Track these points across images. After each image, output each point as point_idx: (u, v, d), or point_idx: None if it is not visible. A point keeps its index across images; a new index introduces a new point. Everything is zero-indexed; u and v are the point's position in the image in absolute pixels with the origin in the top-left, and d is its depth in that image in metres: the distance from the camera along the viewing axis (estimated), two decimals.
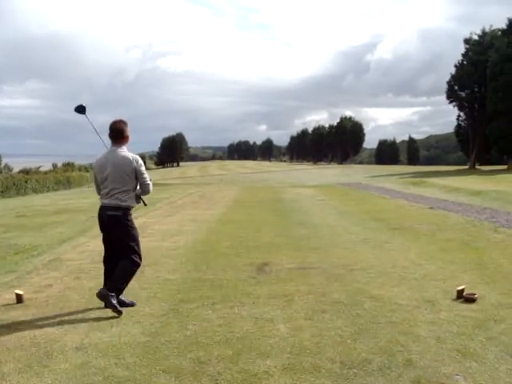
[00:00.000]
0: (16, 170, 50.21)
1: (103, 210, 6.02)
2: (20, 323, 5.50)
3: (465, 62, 59.04)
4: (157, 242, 10.93)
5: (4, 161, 52.11)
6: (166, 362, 4.45)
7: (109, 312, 5.75)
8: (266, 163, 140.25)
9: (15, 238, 13.08)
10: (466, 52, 59.45)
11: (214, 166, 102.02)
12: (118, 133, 6.06)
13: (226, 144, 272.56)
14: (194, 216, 15.92)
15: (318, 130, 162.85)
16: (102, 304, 5.91)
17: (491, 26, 58.22)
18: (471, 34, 59.77)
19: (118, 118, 6.21)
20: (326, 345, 4.80)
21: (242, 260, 8.77)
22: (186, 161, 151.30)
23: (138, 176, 6.02)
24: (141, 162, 6.15)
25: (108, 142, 6.16)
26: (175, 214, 17.15)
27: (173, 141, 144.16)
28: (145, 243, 10.11)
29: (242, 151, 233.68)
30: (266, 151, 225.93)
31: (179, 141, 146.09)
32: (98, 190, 6.19)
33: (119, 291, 5.94)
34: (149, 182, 6.16)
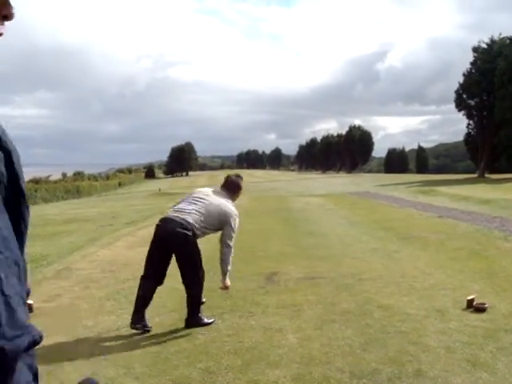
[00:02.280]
0: (26, 179, 50.50)
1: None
2: None
3: (473, 71, 58.89)
4: None
5: None
6: (175, 372, 4.46)
7: (118, 322, 5.77)
8: (275, 172, 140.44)
9: (25, 247, 13.13)
10: (474, 60, 59.31)
11: (223, 175, 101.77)
12: (233, 187, 6.19)
13: (235, 153, 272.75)
14: None
15: (327, 139, 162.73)
16: (112, 313, 5.93)
17: (500, 34, 58.10)
18: (479, 42, 59.65)
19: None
20: (335, 355, 4.79)
21: (251, 269, 8.77)
22: (195, 170, 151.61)
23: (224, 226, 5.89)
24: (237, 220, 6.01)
25: None
26: None
27: (182, 150, 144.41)
28: None
29: (250, 160, 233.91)
30: (274, 160, 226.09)
31: (188, 150, 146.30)
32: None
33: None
34: (229, 242, 6.04)
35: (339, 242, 11.95)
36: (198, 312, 5.83)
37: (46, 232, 16.24)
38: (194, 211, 5.71)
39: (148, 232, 13.86)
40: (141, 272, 5.94)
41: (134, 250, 10.67)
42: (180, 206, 5.91)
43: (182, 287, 7.54)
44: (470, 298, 6.25)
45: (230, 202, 5.99)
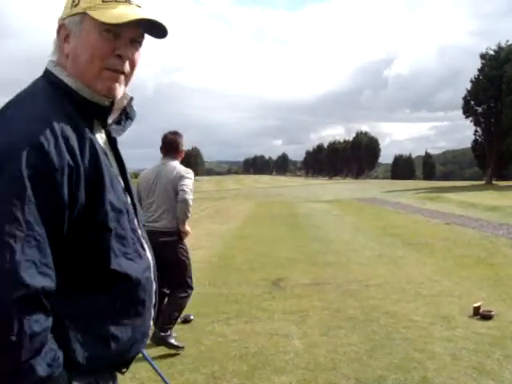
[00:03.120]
0: None
1: (152, 236, 5.37)
2: None
3: (481, 77, 58.78)
4: None
5: None
6: (180, 378, 4.46)
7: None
8: (282, 178, 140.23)
9: None
10: (481, 67, 59.20)
11: (229, 181, 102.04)
12: (171, 147, 5.46)
13: (241, 159, 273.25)
14: (209, 230, 15.93)
15: (334, 145, 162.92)
16: None
17: (507, 41, 58.02)
18: (487, 49, 59.55)
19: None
20: (341, 361, 4.79)
21: (257, 275, 8.77)
22: (202, 175, 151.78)
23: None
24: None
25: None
26: (191, 229, 17.16)
27: (188, 155, 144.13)
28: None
29: (257, 166, 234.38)
30: (281, 166, 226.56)
31: (195, 155, 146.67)
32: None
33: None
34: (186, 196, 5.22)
35: (345, 247, 11.93)
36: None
37: None
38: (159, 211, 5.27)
39: None
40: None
41: None
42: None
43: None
44: (476, 305, 6.24)
45: (177, 163, 5.43)
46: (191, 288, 5.40)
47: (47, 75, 1.53)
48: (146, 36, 1.56)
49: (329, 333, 5.62)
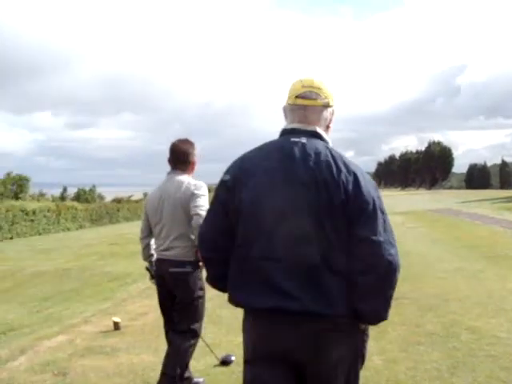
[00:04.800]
0: (108, 199, 51.93)
1: (162, 265, 4.51)
2: (118, 350, 5.68)
3: None
4: None
5: (98, 190, 54.06)
6: None
7: (204, 339, 5.82)
8: None
9: (109, 266, 13.54)
10: None
11: None
12: (179, 157, 4.64)
13: None
14: None
15: (406, 156, 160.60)
16: None
17: None
18: None
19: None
20: (422, 378, 4.69)
21: None
22: None
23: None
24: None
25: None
26: None
27: None
28: None
29: None
30: None
31: None
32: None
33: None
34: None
35: (421, 260, 11.71)
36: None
37: (128, 251, 16.66)
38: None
39: None
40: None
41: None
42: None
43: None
44: None
45: (185, 177, 4.55)
46: (197, 336, 4.55)
47: (319, 135, 2.42)
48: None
49: (408, 349, 5.52)
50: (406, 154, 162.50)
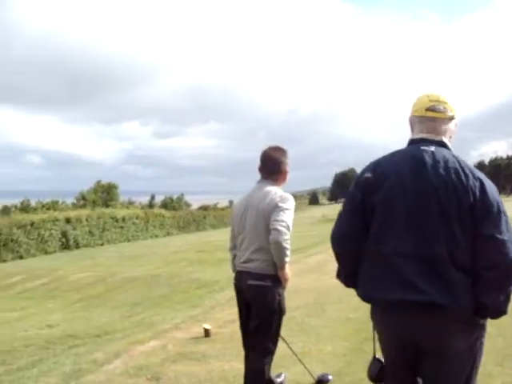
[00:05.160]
0: (195, 206, 52.81)
1: (241, 277, 4.28)
2: (208, 356, 5.74)
3: None
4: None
5: (185, 198, 55.12)
6: None
7: (293, 348, 5.82)
8: None
9: (197, 273, 13.76)
10: None
11: None
12: (270, 165, 4.38)
13: None
14: None
15: (496, 161, 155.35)
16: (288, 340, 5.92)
17: None
18: None
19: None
20: None
21: None
22: None
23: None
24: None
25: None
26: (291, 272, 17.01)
27: (345, 176, 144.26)
28: (325, 281, 10.15)
29: None
30: None
31: (351, 176, 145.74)
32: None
33: None
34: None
35: None
36: None
37: (215, 258, 16.87)
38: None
39: (316, 260, 13.95)
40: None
41: (303, 277, 10.76)
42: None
43: (354, 316, 7.46)
44: None
45: (274, 188, 4.25)
46: (270, 354, 4.22)
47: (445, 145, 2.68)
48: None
49: (504, 363, 5.30)
50: (496, 159, 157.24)
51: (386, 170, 2.65)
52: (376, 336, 2.86)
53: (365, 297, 2.71)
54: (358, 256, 2.70)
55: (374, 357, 2.91)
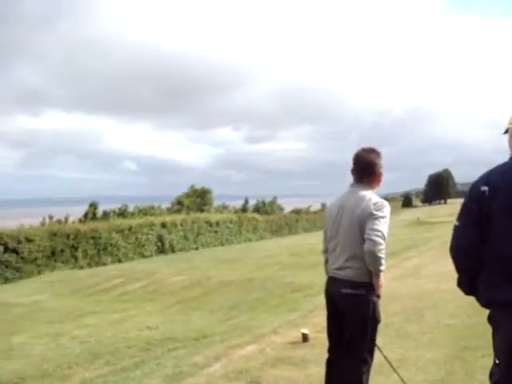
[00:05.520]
0: (288, 210, 52.96)
1: (334, 284, 4.15)
2: (307, 361, 5.71)
3: None
4: (434, 284, 10.53)
5: (278, 201, 55.35)
6: None
7: (391, 355, 5.68)
8: None
9: (291, 276, 13.75)
10: None
11: None
12: (363, 166, 4.22)
13: None
14: None
15: None
16: (383, 347, 5.80)
17: None
18: None
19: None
20: None
21: None
22: (454, 197, 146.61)
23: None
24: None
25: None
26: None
27: (439, 177, 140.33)
28: (421, 285, 9.92)
29: None
30: None
31: (446, 177, 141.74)
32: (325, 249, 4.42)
33: None
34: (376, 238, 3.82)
35: None
36: None
37: (309, 261, 16.81)
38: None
39: (411, 264, 13.65)
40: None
41: (401, 281, 10.55)
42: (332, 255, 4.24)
43: (452, 322, 7.24)
44: None
45: (369, 193, 4.09)
46: (367, 364, 4.06)
47: None
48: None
49: None
50: None
51: (498, 180, 2.79)
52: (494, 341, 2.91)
53: (485, 301, 2.83)
54: (477, 266, 2.84)
55: (495, 361, 2.90)
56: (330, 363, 4.24)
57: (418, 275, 11.62)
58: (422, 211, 77.51)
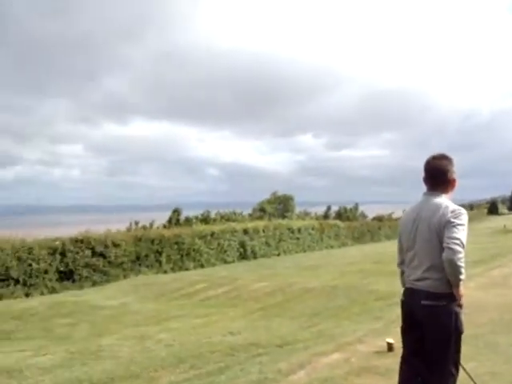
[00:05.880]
0: (370, 216, 52.36)
1: (412, 296, 4.05)
2: (392, 371, 5.59)
3: None
4: None
5: (360, 208, 54.85)
6: None
7: (480, 369, 5.49)
8: None
9: (374, 284, 13.58)
10: None
11: None
12: (435, 173, 4.13)
13: None
14: None
15: None
16: (473, 358, 5.63)
17: None
18: None
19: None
20: None
21: None
22: None
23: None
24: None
25: None
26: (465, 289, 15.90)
27: None
28: (508, 296, 9.61)
29: None
30: None
31: None
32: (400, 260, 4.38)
33: None
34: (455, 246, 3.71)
35: None
36: None
37: (391, 269, 16.47)
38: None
39: (499, 273, 13.18)
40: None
41: (486, 291, 10.23)
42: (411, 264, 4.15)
43: None
44: None
45: (444, 200, 4.00)
46: (453, 376, 3.89)
47: None
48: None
49: None
50: None
51: None
52: None
53: None
54: None
55: None
56: (406, 376, 4.15)
57: (505, 285, 11.23)
58: (508, 219, 74.82)
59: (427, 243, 3.88)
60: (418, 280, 3.94)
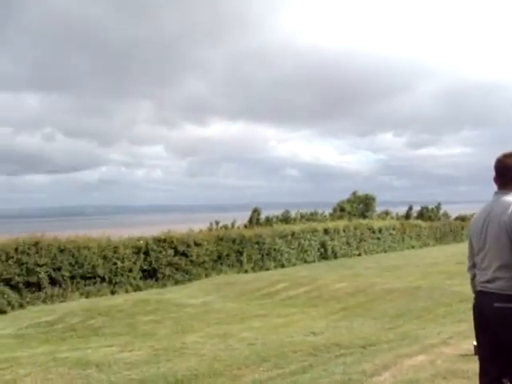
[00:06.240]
0: (453, 216, 51.05)
1: (484, 298, 3.89)
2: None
3: None
4: None
5: (443, 208, 53.53)
6: None
7: None
8: None
9: (458, 286, 13.27)
10: None
11: None
12: (505, 171, 3.99)
13: None
14: None
15: None
16: None
17: None
18: None
19: None
20: None
21: None
22: None
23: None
24: None
25: None
26: None
27: None
28: None
29: None
30: None
31: None
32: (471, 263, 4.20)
33: None
34: None
35: None
36: None
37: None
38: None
39: None
40: None
41: None
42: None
43: None
44: None
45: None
46: None
47: None
48: None
49: None
50: None
51: None
52: None
53: None
54: None
55: None
56: (483, 374, 3.94)
57: None
58: None
59: (497, 242, 3.72)
60: (488, 281, 3.78)
